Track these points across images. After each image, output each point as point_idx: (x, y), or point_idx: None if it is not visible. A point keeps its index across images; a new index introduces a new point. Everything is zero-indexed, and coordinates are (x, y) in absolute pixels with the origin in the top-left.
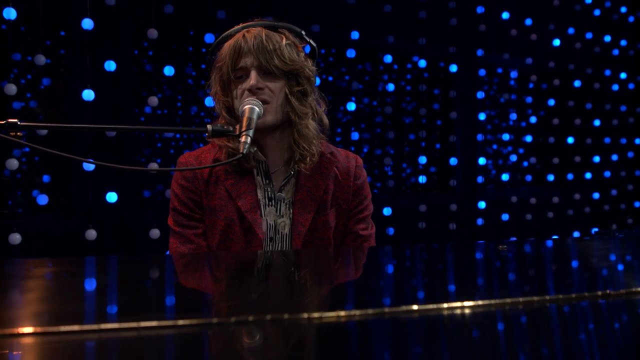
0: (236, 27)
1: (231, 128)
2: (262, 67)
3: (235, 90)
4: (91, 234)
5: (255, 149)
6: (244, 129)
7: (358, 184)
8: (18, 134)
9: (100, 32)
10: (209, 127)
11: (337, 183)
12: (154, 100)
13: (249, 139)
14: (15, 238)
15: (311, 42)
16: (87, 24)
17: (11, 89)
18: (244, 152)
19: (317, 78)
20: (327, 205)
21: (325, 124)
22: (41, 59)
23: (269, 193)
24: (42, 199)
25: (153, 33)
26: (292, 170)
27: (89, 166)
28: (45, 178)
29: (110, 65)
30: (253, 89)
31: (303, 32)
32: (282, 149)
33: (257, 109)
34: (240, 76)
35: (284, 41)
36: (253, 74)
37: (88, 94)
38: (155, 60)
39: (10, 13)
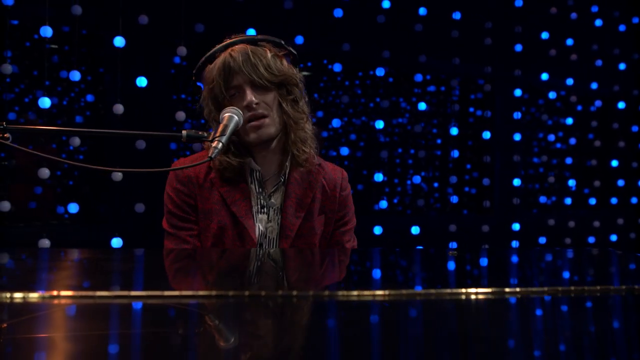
0: (218, 47)
1: (205, 134)
2: (255, 83)
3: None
4: (117, 242)
5: (249, 159)
6: (217, 135)
7: (344, 195)
8: (5, 135)
9: (132, 49)
10: (184, 132)
11: (325, 193)
12: (181, 115)
13: (220, 145)
14: (45, 243)
15: (291, 50)
16: (119, 41)
17: (45, 102)
18: (212, 156)
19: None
20: (314, 213)
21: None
22: (76, 75)
23: (262, 200)
24: (73, 207)
25: (182, 51)
26: (282, 177)
27: (118, 176)
28: (76, 187)
29: (142, 81)
30: (251, 106)
31: (282, 42)
32: (274, 157)
33: (235, 117)
34: (234, 94)
35: (269, 54)
36: (248, 90)
37: (117, 108)
38: (185, 76)
39: (47, 31)
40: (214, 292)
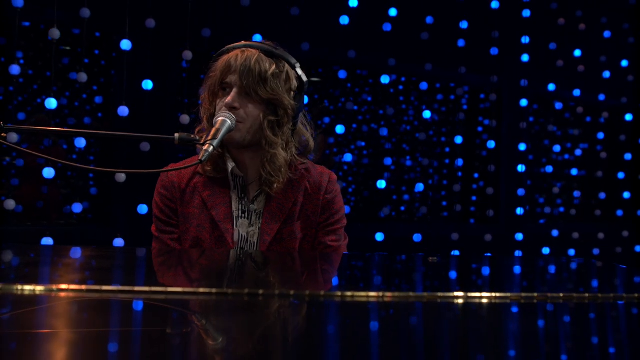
0: (238, 44)
1: (197, 137)
2: (244, 88)
3: (218, 102)
4: (119, 242)
5: (233, 165)
6: (209, 138)
7: (328, 198)
8: (2, 135)
9: (139, 52)
10: (177, 135)
11: (307, 196)
12: (185, 119)
13: (210, 148)
14: (48, 242)
15: (302, 76)
16: (126, 44)
17: (51, 103)
18: (202, 159)
19: (299, 111)
20: (294, 217)
21: (310, 148)
22: (83, 77)
23: (243, 206)
24: (77, 207)
25: (188, 55)
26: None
27: (121, 178)
28: (82, 188)
29: (147, 84)
30: (228, 106)
31: (297, 65)
32: (257, 165)
33: (228, 122)
34: (225, 89)
35: (272, 69)
36: (233, 92)
37: (123, 110)
38: (190, 80)
39: (55, 33)
40: (200, 290)
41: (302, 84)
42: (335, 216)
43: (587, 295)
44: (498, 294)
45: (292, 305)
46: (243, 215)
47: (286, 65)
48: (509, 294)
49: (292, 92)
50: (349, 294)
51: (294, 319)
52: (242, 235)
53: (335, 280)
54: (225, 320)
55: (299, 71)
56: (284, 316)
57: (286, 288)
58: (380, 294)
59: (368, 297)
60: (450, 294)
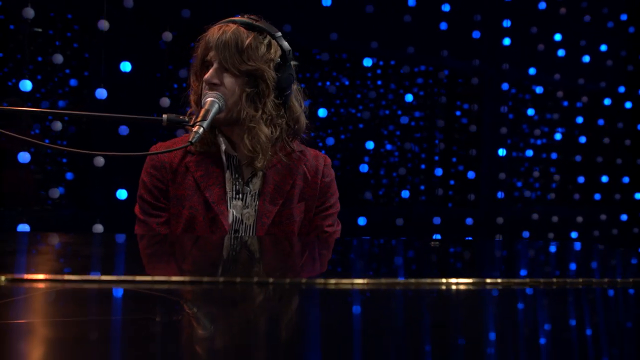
0: (218, 22)
1: (187, 119)
2: (222, 63)
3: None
4: (98, 228)
5: (227, 144)
6: (198, 120)
7: (326, 182)
8: None
9: (116, 33)
10: (165, 116)
11: (306, 180)
12: (165, 102)
13: (200, 129)
14: (24, 228)
15: (283, 44)
16: (103, 25)
17: (26, 85)
18: (192, 141)
19: (290, 83)
20: (293, 200)
21: (301, 125)
22: (59, 58)
23: (237, 186)
24: (54, 193)
25: (168, 36)
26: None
27: (100, 162)
28: (59, 173)
29: (126, 66)
30: (207, 83)
31: (277, 34)
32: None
33: (217, 103)
34: (207, 67)
35: (249, 40)
36: (213, 68)
37: (101, 93)
38: (169, 62)
39: (29, 13)
40: (188, 279)
41: (285, 54)
42: (331, 200)
43: (605, 280)
44: (516, 280)
45: (284, 293)
46: (237, 197)
47: (267, 36)
48: (527, 280)
49: (273, 63)
50: (346, 280)
51: (286, 306)
52: (236, 217)
53: (332, 267)
54: (215, 308)
55: (280, 41)
56: (275, 304)
57: (281, 275)
58: (383, 280)
59: (369, 284)
60: (467, 280)
